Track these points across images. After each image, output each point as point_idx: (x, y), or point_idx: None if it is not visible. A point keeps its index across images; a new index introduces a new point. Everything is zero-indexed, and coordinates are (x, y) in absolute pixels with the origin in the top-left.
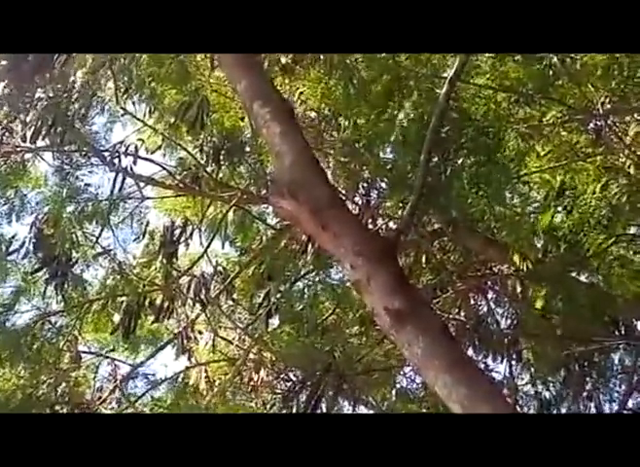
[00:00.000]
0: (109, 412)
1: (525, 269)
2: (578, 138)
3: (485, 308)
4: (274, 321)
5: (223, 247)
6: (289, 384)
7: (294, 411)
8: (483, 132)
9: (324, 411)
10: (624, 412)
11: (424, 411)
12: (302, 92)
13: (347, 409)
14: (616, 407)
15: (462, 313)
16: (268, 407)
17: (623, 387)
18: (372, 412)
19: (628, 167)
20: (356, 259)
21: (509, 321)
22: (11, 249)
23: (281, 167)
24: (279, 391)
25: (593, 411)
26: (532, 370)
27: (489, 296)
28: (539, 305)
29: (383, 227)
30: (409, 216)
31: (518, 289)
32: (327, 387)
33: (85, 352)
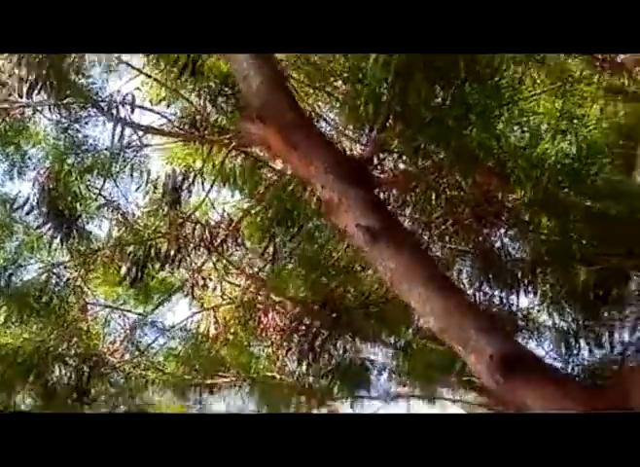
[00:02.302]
0: (119, 362)
1: (531, 198)
2: (575, 61)
3: (498, 242)
4: (285, 266)
5: (232, 195)
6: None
7: (295, 347)
8: (476, 60)
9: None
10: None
11: (441, 348)
12: None
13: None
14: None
15: (473, 247)
16: (276, 348)
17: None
18: (386, 349)
19: (627, 87)
20: (327, 178)
21: (520, 252)
22: (15, 206)
23: (249, 92)
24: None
25: (607, 339)
26: (548, 300)
27: (499, 228)
28: (549, 234)
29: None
30: (378, 136)
31: (527, 218)
32: (325, 322)
33: (94, 304)
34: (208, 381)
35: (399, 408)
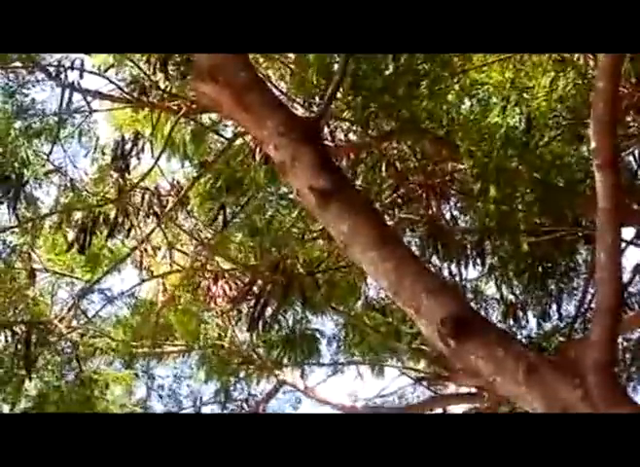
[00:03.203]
0: (67, 330)
1: (480, 169)
2: None
3: (447, 213)
4: (235, 235)
5: (182, 165)
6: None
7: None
8: None
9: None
10: (583, 309)
11: (389, 320)
12: None
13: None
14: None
15: (422, 218)
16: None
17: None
18: (335, 318)
19: (577, 59)
20: (280, 139)
21: (469, 223)
22: None
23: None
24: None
25: (555, 311)
26: (496, 272)
27: (448, 199)
28: (497, 205)
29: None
30: (328, 105)
31: (476, 189)
32: (275, 291)
33: (41, 271)
34: (156, 350)
35: (348, 377)
